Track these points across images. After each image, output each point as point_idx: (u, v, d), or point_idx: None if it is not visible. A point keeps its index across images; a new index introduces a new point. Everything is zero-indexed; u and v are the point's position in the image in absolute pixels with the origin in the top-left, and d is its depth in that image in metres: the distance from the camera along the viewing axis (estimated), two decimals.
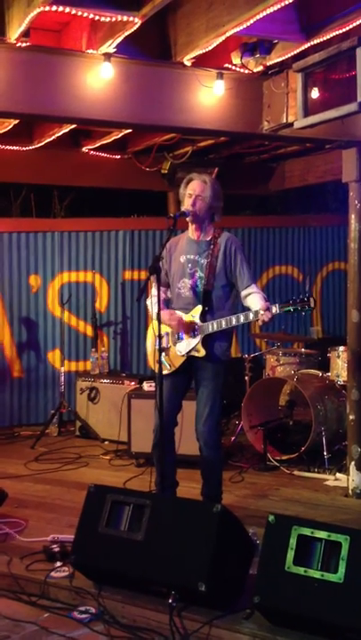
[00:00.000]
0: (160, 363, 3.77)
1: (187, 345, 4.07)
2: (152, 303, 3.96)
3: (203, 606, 3.09)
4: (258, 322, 3.90)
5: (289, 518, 3.15)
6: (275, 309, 3.82)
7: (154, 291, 3.91)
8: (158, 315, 3.75)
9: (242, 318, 3.93)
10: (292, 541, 2.92)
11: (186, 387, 4.20)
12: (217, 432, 4.15)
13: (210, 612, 3.05)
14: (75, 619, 3.17)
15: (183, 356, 4.08)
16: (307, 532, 2.92)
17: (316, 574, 2.84)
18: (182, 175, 6.92)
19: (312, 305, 3.78)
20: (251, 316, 3.90)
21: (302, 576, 2.86)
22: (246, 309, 3.99)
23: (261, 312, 3.82)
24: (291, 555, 2.91)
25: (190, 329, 4.05)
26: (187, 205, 4.02)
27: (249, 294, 4.01)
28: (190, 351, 4.05)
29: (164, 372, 4.07)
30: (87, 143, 6.59)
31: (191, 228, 4.12)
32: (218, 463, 4.20)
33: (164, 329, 3.99)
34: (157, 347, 3.76)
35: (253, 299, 3.97)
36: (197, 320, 4.02)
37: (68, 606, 3.27)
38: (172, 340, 4.13)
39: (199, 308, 4.03)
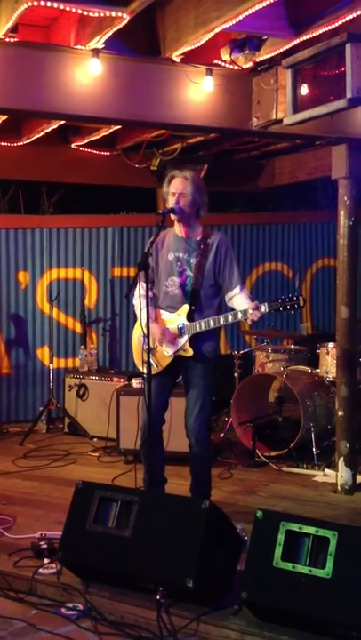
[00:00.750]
0: (148, 363, 3.76)
1: (174, 345, 4.05)
2: (140, 305, 3.92)
3: (191, 602, 3.09)
4: (246, 321, 3.88)
5: (277, 514, 3.16)
6: (264, 308, 3.82)
7: (141, 291, 3.88)
8: (147, 316, 3.73)
9: (230, 318, 3.92)
10: (280, 537, 2.93)
11: (172, 385, 4.20)
12: (207, 428, 4.15)
13: (198, 609, 3.06)
14: (62, 615, 3.17)
15: (171, 355, 4.07)
16: (295, 527, 2.93)
17: (304, 570, 2.85)
18: (171, 171, 6.94)
19: (301, 304, 3.78)
20: (239, 315, 3.89)
21: (290, 572, 2.87)
22: (231, 310, 3.98)
23: (250, 311, 3.81)
24: (279, 550, 2.91)
25: (177, 332, 4.03)
26: (171, 204, 4.00)
27: (235, 295, 4.01)
28: (178, 351, 4.05)
29: (152, 371, 4.06)
30: (76, 139, 6.57)
31: (178, 225, 4.11)
32: (207, 459, 4.21)
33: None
34: (145, 347, 3.75)
35: (240, 299, 3.97)
36: (184, 319, 4.01)
37: (56, 603, 3.26)
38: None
39: (186, 307, 4.02)
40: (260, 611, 2.97)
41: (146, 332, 3.73)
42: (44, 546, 3.62)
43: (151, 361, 4.05)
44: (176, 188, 4.00)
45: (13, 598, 3.31)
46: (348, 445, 4.83)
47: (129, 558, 3.19)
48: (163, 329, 4.05)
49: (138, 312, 3.97)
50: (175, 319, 4.05)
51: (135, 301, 4.04)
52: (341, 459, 4.85)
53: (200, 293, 4.03)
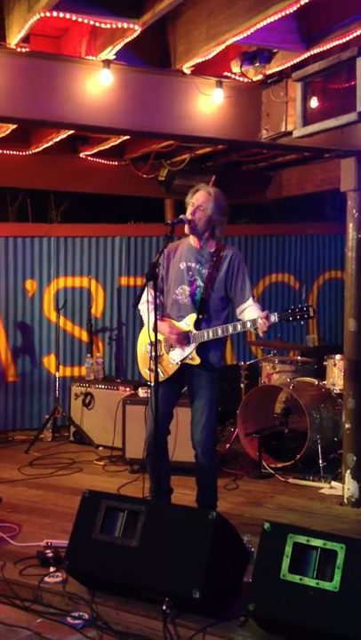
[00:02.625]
0: (156, 371, 3.76)
1: (180, 353, 4.06)
2: (146, 310, 3.93)
3: (197, 613, 3.08)
4: (256, 331, 3.86)
5: (285, 526, 3.15)
6: (273, 318, 3.81)
7: (148, 297, 3.89)
8: (155, 323, 3.75)
9: (239, 327, 3.92)
10: (288, 549, 2.92)
11: (178, 395, 4.20)
12: (213, 439, 4.15)
13: (204, 620, 3.05)
14: (68, 624, 3.16)
15: (177, 364, 4.08)
16: (302, 539, 2.92)
17: (312, 582, 2.84)
18: (180, 182, 6.97)
19: (311, 315, 3.78)
20: (248, 324, 3.89)
21: (298, 584, 2.86)
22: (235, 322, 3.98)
23: (260, 320, 3.81)
24: (286, 562, 2.91)
25: (185, 338, 4.04)
26: (187, 214, 4.02)
27: (247, 307, 4.02)
28: (184, 359, 4.05)
29: (158, 380, 4.06)
30: (85, 149, 6.60)
31: (192, 236, 4.12)
32: (213, 470, 4.20)
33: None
34: (153, 354, 3.76)
35: (251, 310, 3.98)
36: (192, 328, 4.02)
37: (62, 612, 3.26)
38: (165, 347, 4.11)
39: (194, 315, 4.03)
40: (266, 623, 2.95)
41: (154, 337, 3.72)
42: (50, 554, 3.62)
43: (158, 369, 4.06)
44: (197, 200, 4.02)
45: (19, 607, 3.31)
46: (354, 458, 4.82)
47: (135, 568, 3.19)
48: (171, 325, 4.04)
49: (145, 317, 3.97)
50: (183, 327, 4.06)
51: (142, 307, 4.02)
52: (348, 471, 4.83)
53: (209, 304, 4.04)
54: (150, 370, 4.03)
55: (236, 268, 4.05)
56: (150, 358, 3.94)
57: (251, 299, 4.04)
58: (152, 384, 3.87)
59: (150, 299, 3.85)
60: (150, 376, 3.97)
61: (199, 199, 4.01)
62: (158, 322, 3.99)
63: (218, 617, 3.07)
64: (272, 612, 2.90)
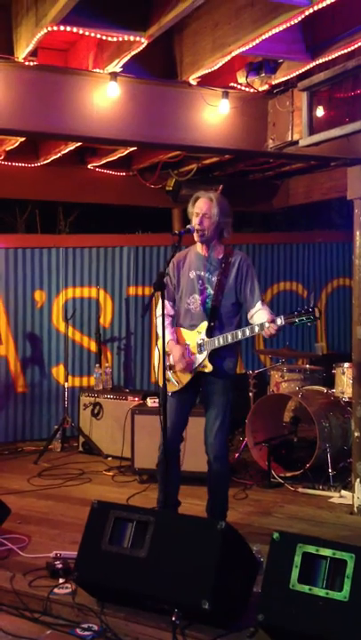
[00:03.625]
0: (164, 381, 3.79)
1: (194, 362, 4.08)
2: (160, 324, 3.93)
3: (206, 624, 3.07)
4: (264, 334, 3.88)
5: (294, 536, 3.14)
6: (280, 321, 3.83)
7: (159, 310, 3.92)
8: (163, 334, 3.77)
9: (248, 332, 3.94)
10: (297, 559, 2.91)
11: (192, 403, 4.21)
12: (226, 446, 4.17)
13: (213, 630, 3.04)
14: (77, 636, 3.15)
15: (191, 372, 4.09)
16: (312, 549, 2.91)
17: (321, 592, 2.83)
18: (187, 192, 6.99)
19: (317, 315, 3.79)
20: (256, 328, 3.91)
21: (307, 594, 2.85)
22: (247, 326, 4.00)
23: (267, 324, 3.83)
24: (295, 572, 2.89)
25: (196, 350, 4.06)
26: (194, 224, 4.04)
27: (257, 311, 4.03)
28: (198, 367, 4.07)
29: (173, 388, 4.10)
30: (92, 160, 6.64)
31: (200, 244, 4.14)
32: (226, 477, 4.22)
33: None
34: (162, 365, 3.78)
35: (261, 314, 3.99)
36: (204, 336, 4.04)
37: (71, 623, 3.24)
38: None
39: (205, 324, 4.05)
40: (276, 633, 2.94)
41: (163, 351, 3.75)
42: (60, 565, 3.62)
43: (172, 378, 4.09)
44: (200, 209, 4.04)
45: (28, 618, 3.30)
46: None
47: (144, 579, 3.18)
48: (183, 351, 4.08)
49: (159, 331, 4.00)
50: (195, 336, 4.08)
51: (158, 321, 4.04)
52: (358, 480, 4.81)
53: (220, 311, 4.06)
54: (167, 380, 4.06)
55: (245, 272, 4.07)
56: (165, 368, 3.95)
57: (260, 302, 4.06)
58: (168, 393, 3.91)
59: (163, 311, 3.90)
60: (167, 385, 4.00)
61: (203, 208, 4.03)
62: (172, 344, 4.03)
63: (227, 627, 3.06)
64: (282, 622, 2.89)
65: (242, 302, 4.10)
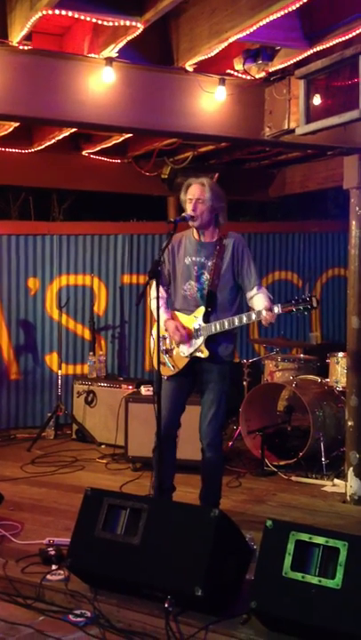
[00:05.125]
0: (158, 367, 3.77)
1: (190, 346, 4.07)
2: (155, 306, 3.93)
3: (199, 611, 3.08)
4: (261, 321, 3.88)
5: (287, 523, 3.14)
6: (277, 309, 3.82)
7: (158, 293, 3.89)
8: (158, 317, 3.77)
9: (244, 319, 3.93)
10: (290, 547, 2.92)
11: (189, 389, 4.20)
12: (221, 434, 4.16)
13: (206, 617, 3.05)
14: (70, 622, 3.16)
15: (187, 357, 4.08)
16: (305, 537, 2.92)
17: (314, 580, 2.84)
18: (182, 180, 6.93)
19: (314, 304, 3.77)
20: (253, 316, 3.90)
21: (300, 582, 2.86)
22: (247, 311, 3.99)
23: (264, 312, 3.82)
24: (288, 560, 2.90)
25: (193, 333, 4.05)
26: (188, 211, 4.02)
27: (255, 295, 4.02)
28: (194, 352, 4.06)
29: (168, 373, 4.09)
30: (87, 147, 6.59)
31: (195, 230, 4.12)
32: (219, 465, 4.22)
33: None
34: (162, 348, 3.77)
35: (258, 299, 3.97)
36: (201, 321, 4.02)
37: (64, 609, 3.26)
38: (175, 341, 4.12)
39: (202, 309, 4.04)
40: (269, 620, 2.95)
41: (161, 331, 3.75)
42: (52, 552, 3.62)
43: (168, 362, 4.09)
44: (193, 195, 4.02)
45: (21, 604, 3.31)
46: (357, 455, 4.81)
47: (137, 566, 3.19)
48: (177, 326, 4.06)
49: (155, 313, 3.99)
50: (192, 320, 4.07)
51: (152, 303, 4.04)
52: (351, 469, 4.83)
53: (217, 296, 4.04)
54: (163, 363, 4.07)
55: (240, 254, 4.05)
56: (161, 352, 3.94)
57: (257, 286, 4.03)
58: (164, 377, 3.92)
59: (155, 293, 3.88)
60: (163, 369, 4.00)
61: (195, 193, 4.01)
62: (167, 321, 4.03)
63: (220, 614, 3.06)
64: (274, 609, 2.90)
65: (240, 284, 4.08)
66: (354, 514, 4.62)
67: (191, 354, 4.07)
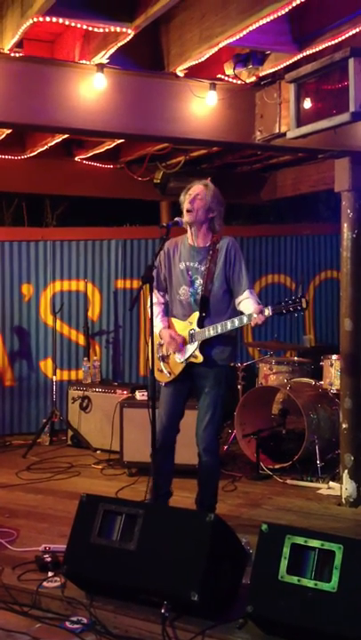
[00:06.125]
0: (152, 372, 3.79)
1: (184, 352, 4.08)
2: (150, 314, 3.94)
3: (195, 616, 3.08)
4: (251, 324, 3.90)
5: (282, 527, 3.15)
6: (267, 312, 3.83)
7: (153, 299, 3.90)
8: (151, 324, 3.79)
9: (236, 322, 3.94)
10: (286, 550, 2.92)
11: (188, 394, 4.21)
12: (217, 438, 4.17)
13: (203, 622, 3.05)
14: (67, 629, 3.16)
15: (182, 362, 4.09)
16: (300, 540, 2.92)
17: (310, 583, 2.84)
18: (175, 185, 6.97)
19: (304, 306, 3.78)
20: (245, 319, 3.91)
21: (296, 585, 2.86)
22: (240, 314, 4.00)
23: (255, 315, 3.83)
24: (284, 564, 2.91)
25: (188, 339, 4.07)
26: (186, 205, 4.03)
27: (243, 299, 4.03)
28: (188, 357, 4.07)
29: (165, 379, 4.11)
30: (80, 153, 6.60)
31: (189, 232, 4.13)
32: (216, 470, 4.22)
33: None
34: (152, 356, 3.79)
35: (247, 303, 3.98)
36: (195, 326, 4.03)
37: (60, 616, 3.25)
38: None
39: (196, 314, 4.05)
40: (265, 624, 2.95)
41: (153, 341, 3.76)
42: (48, 559, 3.62)
43: (164, 369, 4.11)
44: (194, 191, 4.05)
45: (17, 612, 3.30)
46: (352, 458, 4.82)
47: (133, 571, 3.18)
48: (171, 333, 4.09)
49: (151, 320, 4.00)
50: (187, 326, 4.08)
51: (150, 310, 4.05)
52: (346, 471, 4.84)
53: (210, 300, 4.05)
54: (160, 370, 4.10)
55: (233, 258, 4.06)
56: (157, 359, 3.95)
57: (248, 290, 4.04)
58: (161, 383, 3.92)
59: (155, 300, 3.91)
60: (159, 376, 3.99)
61: (196, 190, 4.05)
62: (163, 330, 4.04)
63: (217, 619, 3.06)
64: (271, 613, 2.90)
65: (232, 289, 4.09)
66: (349, 516, 4.63)
67: (186, 359, 4.08)
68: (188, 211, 4.02)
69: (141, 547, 3.20)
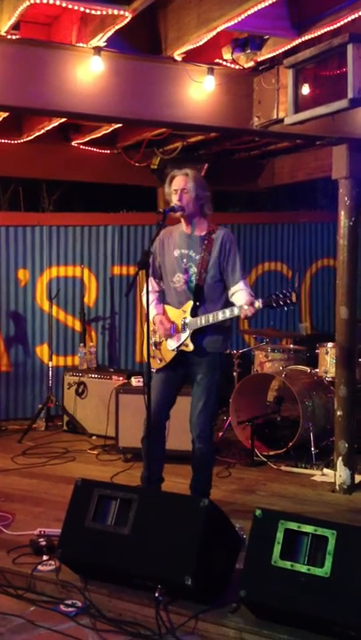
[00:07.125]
0: (148, 359, 3.78)
1: (177, 340, 4.08)
2: (146, 300, 3.95)
3: (189, 600, 3.10)
4: (241, 316, 3.91)
5: (276, 513, 3.16)
6: (257, 304, 3.84)
7: (148, 287, 3.91)
8: (147, 312, 3.79)
9: (227, 313, 3.94)
10: (279, 535, 2.94)
11: (180, 382, 4.21)
12: (211, 425, 4.17)
13: (196, 606, 3.06)
14: (61, 612, 3.18)
15: (174, 350, 4.09)
16: (293, 526, 2.94)
17: (303, 568, 2.86)
18: (172, 171, 6.95)
19: (294, 300, 3.80)
20: (236, 310, 3.91)
21: (289, 570, 2.88)
22: (232, 305, 4.01)
23: (245, 307, 3.84)
24: (277, 549, 2.92)
25: (180, 327, 4.07)
26: (175, 202, 4.02)
27: (236, 291, 4.03)
28: (180, 346, 4.07)
29: (157, 366, 4.11)
30: (76, 137, 6.57)
31: (183, 222, 4.13)
32: (210, 457, 4.23)
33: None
34: (147, 342, 3.79)
35: (239, 295, 3.99)
36: (188, 315, 4.03)
37: (55, 600, 3.27)
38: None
39: (190, 303, 4.05)
40: (258, 609, 2.97)
41: (149, 327, 3.77)
42: (43, 543, 3.63)
43: (156, 355, 4.10)
44: (178, 185, 4.03)
45: (12, 595, 3.32)
46: (346, 445, 4.84)
47: (128, 556, 3.20)
48: (162, 320, 4.09)
49: (145, 307, 4.00)
50: (180, 314, 4.08)
51: (143, 297, 4.05)
52: (340, 458, 4.86)
53: (204, 289, 4.05)
54: (152, 356, 4.09)
55: (227, 249, 4.06)
56: (150, 345, 3.96)
57: (241, 282, 4.04)
58: (153, 370, 3.93)
59: (150, 288, 3.91)
60: (152, 362, 4.00)
61: (180, 184, 4.04)
62: (155, 315, 4.05)
63: (210, 603, 3.08)
64: (264, 598, 2.92)
65: (225, 279, 4.09)
66: (342, 503, 4.65)
67: (177, 347, 4.08)
68: (179, 207, 4.01)
69: (136, 531, 3.21)
